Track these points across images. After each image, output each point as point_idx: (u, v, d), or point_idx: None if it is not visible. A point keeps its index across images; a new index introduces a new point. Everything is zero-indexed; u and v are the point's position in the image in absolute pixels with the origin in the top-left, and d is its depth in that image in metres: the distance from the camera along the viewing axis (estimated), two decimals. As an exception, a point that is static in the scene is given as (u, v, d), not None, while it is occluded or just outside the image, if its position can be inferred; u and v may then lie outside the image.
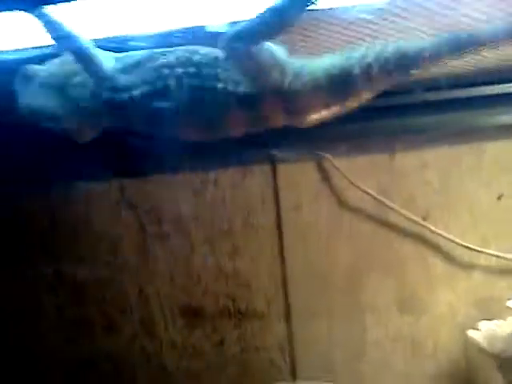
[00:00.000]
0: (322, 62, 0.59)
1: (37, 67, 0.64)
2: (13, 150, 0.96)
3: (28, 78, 0.63)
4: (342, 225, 0.93)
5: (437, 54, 0.55)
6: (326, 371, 0.95)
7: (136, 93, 0.65)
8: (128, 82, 0.65)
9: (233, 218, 0.96)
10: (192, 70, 0.65)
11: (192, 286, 0.98)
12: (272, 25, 0.57)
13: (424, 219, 0.91)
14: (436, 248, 0.91)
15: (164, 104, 0.65)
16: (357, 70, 0.55)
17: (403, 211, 0.90)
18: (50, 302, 1.04)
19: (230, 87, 0.64)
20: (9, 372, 1.04)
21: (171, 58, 0.66)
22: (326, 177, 0.94)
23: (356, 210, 0.93)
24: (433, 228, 0.90)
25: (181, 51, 0.66)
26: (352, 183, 0.91)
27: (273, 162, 0.95)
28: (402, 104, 0.87)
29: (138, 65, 0.67)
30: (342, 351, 0.95)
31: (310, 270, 0.95)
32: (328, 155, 0.92)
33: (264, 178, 0.95)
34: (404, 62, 0.55)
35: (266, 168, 0.95)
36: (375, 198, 0.91)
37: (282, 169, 0.95)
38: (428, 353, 0.92)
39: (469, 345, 0.87)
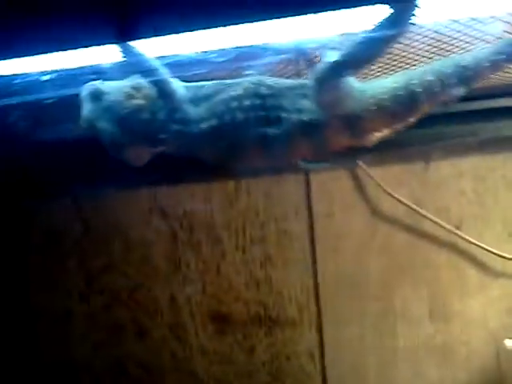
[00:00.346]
0: (384, 83, 0.60)
1: (103, 87, 0.64)
2: (45, 156, 0.97)
3: (94, 97, 0.63)
4: (374, 233, 0.94)
5: (496, 63, 0.55)
6: (356, 379, 0.95)
7: (204, 126, 0.67)
8: (197, 114, 0.67)
9: (265, 225, 0.97)
10: (258, 101, 0.67)
11: (223, 293, 0.99)
12: (369, 55, 0.58)
13: (457, 228, 0.91)
14: (469, 257, 0.92)
15: (231, 136, 0.67)
16: (419, 89, 0.56)
17: (437, 220, 0.90)
18: (81, 309, 1.04)
19: (294, 116, 0.66)
20: (40, 379, 1.05)
21: (239, 91, 0.67)
22: (359, 185, 0.94)
23: (389, 219, 0.93)
24: (466, 237, 0.91)
25: (247, 82, 0.68)
26: (386, 192, 0.91)
27: (306, 171, 0.95)
28: (438, 113, 0.87)
29: (207, 98, 0.68)
30: (373, 359, 0.95)
31: (342, 278, 0.95)
32: (362, 164, 0.92)
33: (297, 187, 0.95)
34: (465, 74, 0.55)
35: (300, 176, 0.95)
36: (409, 207, 0.91)
37: (315, 177, 0.95)
38: (460, 361, 0.92)
39: (503, 353, 0.88)
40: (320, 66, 0.62)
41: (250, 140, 0.69)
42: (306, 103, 0.68)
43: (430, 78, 0.57)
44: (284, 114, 0.67)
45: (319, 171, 0.95)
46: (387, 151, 0.92)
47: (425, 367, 0.94)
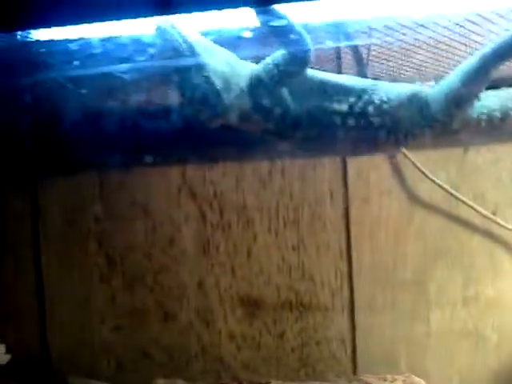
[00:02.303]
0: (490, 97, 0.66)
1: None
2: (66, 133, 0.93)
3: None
4: (411, 219, 0.93)
5: None
6: (387, 365, 0.94)
7: (299, 134, 0.65)
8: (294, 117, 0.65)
9: (299, 209, 0.95)
10: (365, 121, 0.66)
11: (253, 277, 0.97)
12: None
13: (493, 214, 0.91)
14: (504, 243, 0.92)
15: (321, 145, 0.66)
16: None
17: (474, 205, 0.90)
18: (103, 292, 1.01)
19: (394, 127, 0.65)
20: (61, 362, 1.01)
21: (344, 106, 0.66)
22: (397, 170, 0.93)
23: (425, 204, 0.93)
24: (502, 223, 0.91)
25: (355, 96, 0.66)
26: (426, 176, 0.90)
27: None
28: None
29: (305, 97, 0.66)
30: (405, 345, 0.94)
31: (376, 263, 0.94)
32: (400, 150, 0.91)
33: (333, 171, 0.94)
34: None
35: (336, 160, 0.94)
36: (447, 192, 0.90)
37: (352, 161, 0.94)
38: (492, 347, 0.93)
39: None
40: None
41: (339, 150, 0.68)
42: (411, 113, 0.67)
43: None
44: (384, 131, 0.66)
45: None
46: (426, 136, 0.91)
47: (456, 354, 0.94)
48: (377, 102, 0.66)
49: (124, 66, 0.65)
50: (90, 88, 0.76)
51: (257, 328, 0.97)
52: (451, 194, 0.91)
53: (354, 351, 0.95)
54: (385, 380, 0.80)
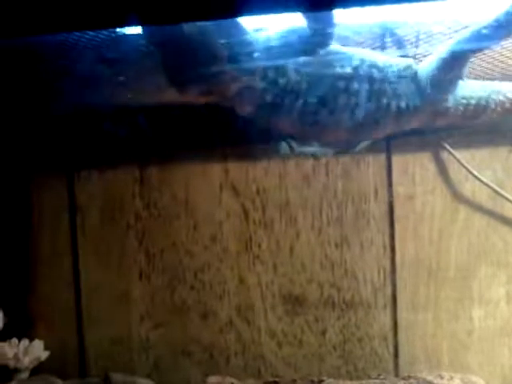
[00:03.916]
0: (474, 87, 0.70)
1: None
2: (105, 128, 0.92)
3: None
4: (456, 217, 0.93)
5: None
6: (430, 363, 0.95)
7: (300, 101, 0.65)
8: (296, 84, 0.65)
9: (343, 206, 0.95)
10: (366, 86, 0.66)
11: (296, 274, 0.97)
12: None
13: (538, 214, 0.91)
14: (548, 242, 0.92)
15: (324, 116, 0.66)
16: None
17: (520, 205, 0.90)
18: (142, 289, 1.00)
19: (393, 102, 0.66)
20: (98, 359, 1.01)
21: (348, 69, 0.66)
22: (442, 168, 0.93)
23: (470, 202, 0.93)
24: (546, 222, 0.91)
25: (357, 60, 0.66)
26: (472, 174, 0.90)
27: (388, 152, 0.93)
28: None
29: (307, 66, 0.66)
30: (447, 343, 0.95)
31: (419, 261, 0.94)
32: (447, 145, 0.91)
33: (378, 168, 0.94)
34: None
35: (381, 157, 0.94)
36: (493, 190, 0.90)
37: (397, 158, 0.93)
38: (535, 346, 0.93)
39: None
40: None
41: (340, 122, 0.68)
42: (405, 87, 0.68)
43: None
44: (385, 100, 0.66)
45: (402, 153, 0.93)
46: (472, 135, 0.91)
47: (498, 352, 0.94)
48: (380, 65, 0.67)
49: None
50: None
51: (298, 325, 0.97)
52: (496, 192, 0.91)
53: (396, 348, 0.95)
54: (442, 378, 0.80)
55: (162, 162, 0.98)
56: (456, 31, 0.68)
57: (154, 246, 0.99)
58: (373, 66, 0.68)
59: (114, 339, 1.02)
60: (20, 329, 1.00)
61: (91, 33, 0.62)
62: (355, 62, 0.68)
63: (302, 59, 0.67)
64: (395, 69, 0.69)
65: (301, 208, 0.95)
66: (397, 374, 0.94)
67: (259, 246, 0.97)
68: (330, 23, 0.61)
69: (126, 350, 1.01)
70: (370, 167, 0.93)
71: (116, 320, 1.02)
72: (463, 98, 0.72)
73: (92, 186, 1.00)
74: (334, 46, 0.67)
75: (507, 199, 0.90)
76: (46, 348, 0.99)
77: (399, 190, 0.93)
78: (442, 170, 0.92)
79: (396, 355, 0.95)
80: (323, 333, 0.96)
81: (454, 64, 0.67)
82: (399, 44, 0.76)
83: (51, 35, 0.58)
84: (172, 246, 0.99)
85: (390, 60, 0.70)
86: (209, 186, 0.97)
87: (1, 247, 1.03)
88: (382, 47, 0.76)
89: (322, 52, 0.67)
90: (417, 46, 0.74)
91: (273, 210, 0.96)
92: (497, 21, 0.61)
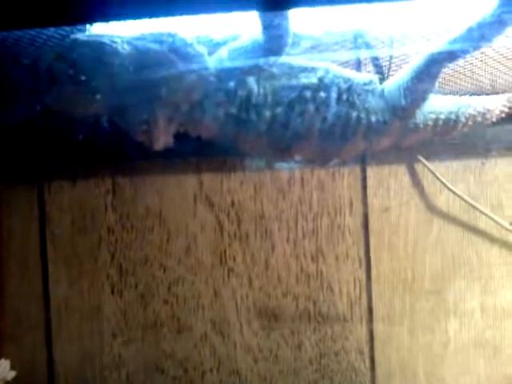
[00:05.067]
0: (443, 102, 0.71)
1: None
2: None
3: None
4: (430, 229, 0.93)
5: None
6: (406, 376, 0.94)
7: (267, 113, 0.65)
8: (260, 97, 0.65)
9: (318, 219, 0.94)
10: (334, 95, 0.66)
11: (271, 287, 0.96)
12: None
13: (511, 225, 0.92)
14: (521, 254, 0.93)
15: (292, 127, 0.66)
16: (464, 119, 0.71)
17: (493, 217, 0.91)
18: (114, 304, 0.98)
19: (363, 115, 0.66)
20: (70, 378, 0.98)
21: (313, 79, 0.66)
22: (416, 180, 0.93)
23: (445, 216, 0.93)
24: (519, 234, 0.92)
25: (322, 71, 0.66)
26: (446, 186, 0.91)
27: (363, 164, 0.94)
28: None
29: (271, 78, 0.66)
30: (423, 355, 0.94)
31: (394, 273, 0.94)
32: (421, 158, 0.92)
33: (353, 180, 0.94)
34: None
35: (356, 170, 0.94)
36: (468, 203, 0.91)
37: (372, 171, 0.94)
38: (510, 357, 0.93)
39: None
40: (417, 59, 0.64)
41: (310, 134, 0.67)
42: (373, 101, 0.68)
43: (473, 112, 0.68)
44: (354, 113, 0.67)
45: (377, 165, 0.93)
46: (444, 148, 0.92)
47: (474, 364, 0.94)
48: (346, 77, 0.67)
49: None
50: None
51: (274, 340, 0.96)
52: (470, 205, 0.91)
53: (372, 362, 0.95)
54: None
55: (135, 174, 0.96)
56: (429, 40, 0.68)
57: (127, 259, 0.97)
58: (338, 77, 0.67)
59: (84, 356, 0.99)
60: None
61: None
62: (320, 73, 0.67)
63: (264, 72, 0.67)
64: (361, 82, 0.69)
65: (276, 220, 0.94)
66: (373, 388, 0.93)
67: (234, 258, 0.95)
68: (283, 29, 0.60)
69: (98, 366, 0.99)
70: (345, 179, 0.93)
71: (87, 336, 0.99)
72: (432, 112, 0.72)
73: (63, 198, 0.97)
74: (298, 60, 0.67)
75: (481, 212, 0.90)
76: (13, 366, 0.96)
77: (374, 202, 0.93)
78: (417, 183, 0.93)
79: (372, 369, 0.95)
80: (299, 347, 0.95)
81: (427, 75, 0.67)
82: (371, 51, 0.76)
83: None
84: (145, 260, 0.97)
85: (355, 74, 0.70)
86: (183, 198, 0.96)
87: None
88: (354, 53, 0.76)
89: (280, 62, 0.66)
90: (390, 54, 0.74)
91: (248, 222, 0.95)
92: (470, 31, 0.61)
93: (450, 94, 0.78)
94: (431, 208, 0.93)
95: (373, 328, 0.94)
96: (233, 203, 0.95)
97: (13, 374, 0.95)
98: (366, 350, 0.95)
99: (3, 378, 0.94)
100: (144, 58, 0.62)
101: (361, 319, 0.94)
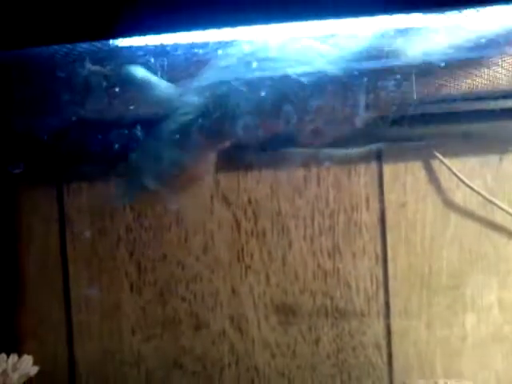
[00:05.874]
0: None
1: None
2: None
3: None
4: (447, 225, 0.93)
5: None
6: (423, 370, 0.95)
7: None
8: None
9: (335, 215, 0.95)
10: None
11: (289, 284, 0.96)
12: None
13: (528, 220, 0.92)
14: (538, 249, 0.93)
15: None
16: None
17: (510, 211, 0.91)
18: (133, 301, 0.99)
19: None
20: (91, 375, 0.99)
21: None
22: (433, 176, 0.93)
23: (462, 211, 0.93)
24: (536, 229, 0.92)
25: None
26: (463, 182, 0.91)
27: (379, 160, 0.94)
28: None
29: None
30: (440, 350, 0.95)
31: (412, 269, 0.94)
32: (438, 154, 0.92)
33: (369, 177, 0.94)
34: None
35: (372, 166, 0.94)
36: (485, 198, 0.91)
37: (388, 167, 0.94)
38: (527, 352, 0.94)
39: None
40: None
41: None
42: None
43: None
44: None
45: (393, 161, 0.93)
46: (462, 143, 0.92)
47: (492, 358, 0.95)
48: None
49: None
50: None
51: (291, 335, 0.97)
52: (487, 200, 0.91)
53: (389, 356, 0.95)
54: (437, 385, 0.80)
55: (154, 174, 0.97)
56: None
57: (145, 257, 0.98)
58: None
59: (104, 353, 1.01)
60: (8, 344, 0.98)
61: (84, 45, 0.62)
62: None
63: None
64: None
65: (293, 218, 0.95)
66: (391, 383, 0.94)
67: (251, 256, 0.96)
68: None
69: (117, 363, 1.00)
70: (362, 176, 0.93)
71: (107, 333, 1.00)
72: None
73: (82, 199, 0.98)
74: None
75: (498, 207, 0.90)
76: (35, 363, 0.97)
77: (391, 198, 0.93)
78: (434, 178, 0.93)
79: (390, 363, 0.95)
80: (317, 342, 0.96)
81: None
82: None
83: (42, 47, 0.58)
84: (163, 258, 0.98)
85: None
86: (200, 197, 0.96)
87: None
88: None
89: None
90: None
91: (265, 220, 0.96)
92: None
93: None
94: (448, 203, 0.93)
95: (390, 323, 0.95)
96: (249, 201, 0.96)
97: (35, 369, 0.97)
98: (384, 344, 0.95)
99: (27, 373, 0.96)
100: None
101: (378, 314, 0.95)
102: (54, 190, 0.99)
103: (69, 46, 0.63)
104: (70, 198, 0.99)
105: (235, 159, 0.96)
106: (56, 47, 0.63)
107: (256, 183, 0.96)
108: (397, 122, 0.82)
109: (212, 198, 0.96)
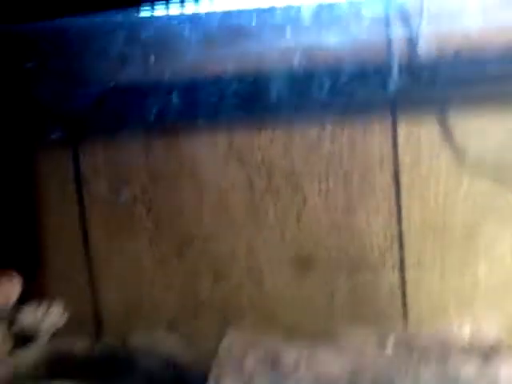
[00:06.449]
0: None
1: None
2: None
3: None
4: (461, 181, 0.93)
5: None
6: (437, 319, 0.98)
7: None
8: None
9: (349, 174, 0.95)
10: None
11: (303, 240, 0.98)
12: None
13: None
14: (552, 201, 0.93)
15: None
16: None
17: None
18: (151, 255, 1.02)
19: None
20: (116, 325, 1.04)
21: None
22: (447, 133, 0.92)
23: (476, 166, 0.93)
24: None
25: None
26: (477, 138, 0.90)
27: (394, 118, 0.92)
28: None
29: None
30: (454, 298, 0.97)
31: (426, 224, 0.95)
32: (451, 110, 0.90)
33: (384, 135, 0.93)
34: None
35: (387, 124, 0.93)
36: (499, 155, 0.90)
37: (402, 125, 0.92)
38: (538, 299, 0.96)
39: None
40: None
41: None
42: None
43: None
44: None
45: (408, 120, 0.92)
46: (475, 100, 0.90)
47: (504, 304, 0.97)
48: None
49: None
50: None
51: (307, 287, 1.00)
52: (500, 155, 0.90)
53: (404, 307, 0.98)
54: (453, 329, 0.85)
55: (168, 133, 0.97)
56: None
57: (162, 217, 1.00)
58: None
59: (127, 303, 1.05)
60: (36, 296, 1.03)
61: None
62: None
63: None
64: None
65: (307, 176, 0.95)
66: (406, 332, 0.98)
67: (266, 214, 0.98)
68: None
69: (141, 312, 1.05)
70: (376, 134, 0.92)
71: (128, 285, 1.04)
72: None
73: (98, 159, 0.99)
74: None
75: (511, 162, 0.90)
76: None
77: (405, 156, 0.93)
78: (448, 136, 0.91)
79: (405, 314, 0.98)
80: (332, 295, 0.99)
81: None
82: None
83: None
84: (179, 217, 1.00)
85: None
86: (214, 156, 0.97)
87: (8, 222, 1.04)
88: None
89: None
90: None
91: (279, 178, 0.96)
92: None
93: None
94: (462, 160, 0.92)
95: (404, 275, 0.97)
96: (263, 160, 0.96)
97: (64, 317, 1.01)
98: (398, 295, 0.98)
99: (57, 321, 1.01)
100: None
101: (392, 267, 0.97)
102: (70, 152, 1.00)
103: (104, 15, 0.62)
104: (85, 159, 1.00)
105: (249, 118, 0.95)
106: (91, 17, 0.63)
107: (269, 142, 0.95)
108: (412, 79, 0.80)
109: (226, 157, 0.97)
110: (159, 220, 1.01)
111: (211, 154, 0.97)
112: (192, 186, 0.98)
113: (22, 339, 0.98)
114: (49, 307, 1.00)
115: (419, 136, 0.91)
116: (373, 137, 0.92)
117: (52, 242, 1.04)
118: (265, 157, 0.96)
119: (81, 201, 1.03)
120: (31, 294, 1.02)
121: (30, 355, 0.94)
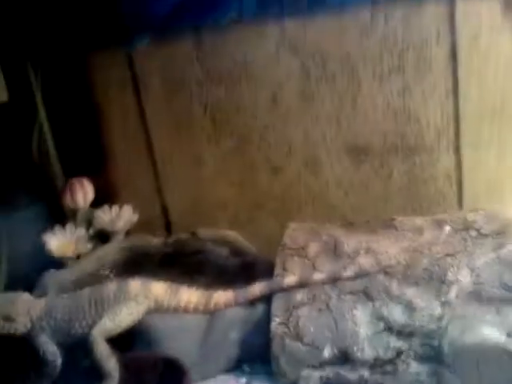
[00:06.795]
0: None
1: None
2: None
3: None
4: (522, 56, 0.91)
5: None
6: (492, 199, 0.98)
7: None
8: None
9: (404, 53, 0.93)
10: None
11: (359, 125, 0.99)
12: None
13: None
14: None
15: None
16: None
17: None
18: (211, 152, 1.05)
19: None
20: (182, 220, 1.09)
21: None
22: (508, 6, 0.89)
23: (538, 38, 0.90)
24: None
25: None
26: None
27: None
28: None
29: None
30: (510, 178, 0.98)
31: (483, 103, 0.94)
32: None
33: (440, 9, 0.90)
34: None
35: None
36: None
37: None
38: None
39: None
40: None
41: None
42: None
43: None
44: None
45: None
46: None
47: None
48: None
49: None
50: None
51: (364, 172, 1.01)
52: None
53: (459, 186, 0.99)
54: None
55: (219, 29, 0.97)
56: None
57: (218, 111, 1.02)
58: None
59: (192, 200, 1.10)
60: (106, 199, 1.08)
61: None
62: None
63: None
64: None
65: (361, 59, 0.95)
66: (461, 210, 0.99)
67: (322, 101, 0.98)
68: None
69: (205, 208, 1.10)
70: (432, 10, 0.90)
71: (192, 183, 1.09)
72: None
73: (151, 60, 1.01)
74: None
75: None
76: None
77: (462, 30, 0.90)
78: (509, 8, 0.88)
79: (460, 193, 1.00)
80: (389, 177, 1.01)
81: None
82: None
83: None
84: (236, 110, 1.02)
85: None
86: (266, 47, 0.97)
87: (73, 130, 1.08)
88: None
89: None
90: None
91: (333, 64, 0.96)
92: None
93: None
94: (524, 34, 0.90)
95: (460, 155, 0.98)
96: (316, 47, 0.95)
97: (136, 216, 1.07)
98: (454, 176, 0.99)
99: (130, 219, 1.07)
100: None
101: (448, 148, 0.97)
102: (125, 57, 1.01)
103: None
104: (140, 62, 1.02)
105: (299, 6, 0.94)
106: None
107: (322, 28, 0.94)
108: None
109: (278, 47, 0.96)
110: (216, 117, 1.03)
111: (263, 44, 0.96)
112: (246, 80, 0.99)
113: (100, 238, 1.05)
114: (120, 209, 1.06)
115: (479, 7, 0.88)
116: (428, 11, 0.90)
117: (118, 147, 1.09)
118: (318, 44, 0.95)
119: (139, 102, 1.05)
120: (103, 198, 1.08)
121: (109, 251, 1.00)
